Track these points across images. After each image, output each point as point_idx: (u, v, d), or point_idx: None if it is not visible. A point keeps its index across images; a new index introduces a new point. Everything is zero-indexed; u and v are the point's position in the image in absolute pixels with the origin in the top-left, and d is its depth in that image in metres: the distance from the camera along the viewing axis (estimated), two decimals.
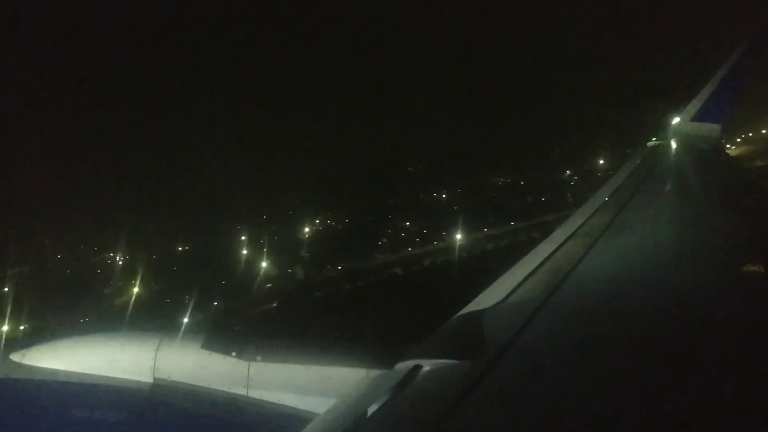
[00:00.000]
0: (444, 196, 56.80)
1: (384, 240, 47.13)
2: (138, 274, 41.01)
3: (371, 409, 2.58)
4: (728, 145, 44.29)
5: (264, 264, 41.81)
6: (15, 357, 4.50)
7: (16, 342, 5.11)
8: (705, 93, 9.73)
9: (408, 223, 49.82)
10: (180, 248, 49.85)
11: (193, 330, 4.71)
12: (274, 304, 35.66)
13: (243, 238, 46.23)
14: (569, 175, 53.37)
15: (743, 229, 5.10)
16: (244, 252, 43.86)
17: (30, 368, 4.42)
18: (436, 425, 2.19)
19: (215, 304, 31.18)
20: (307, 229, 49.67)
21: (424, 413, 2.40)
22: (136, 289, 38.49)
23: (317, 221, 52.17)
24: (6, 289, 37.89)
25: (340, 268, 42.81)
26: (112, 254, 50.69)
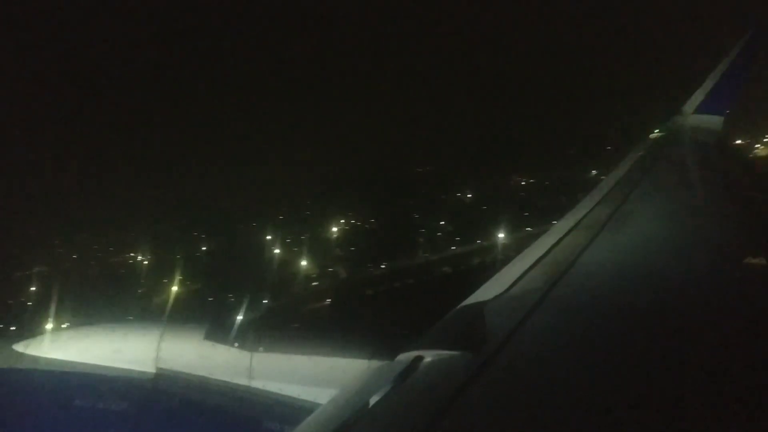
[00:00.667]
0: (469, 195, 55.59)
1: (409, 241, 46.33)
2: (167, 273, 40.46)
3: (373, 400, 2.59)
4: (757, 145, 43.45)
5: (300, 263, 41.38)
6: (18, 347, 4.51)
7: (18, 333, 5.08)
8: (707, 85, 9.69)
9: (441, 223, 48.71)
10: (204, 248, 48.75)
11: (196, 321, 4.73)
12: (327, 301, 35.34)
13: (269, 237, 45.64)
14: (595, 174, 51.56)
15: (745, 222, 5.10)
16: (276, 251, 43.18)
17: (33, 358, 4.43)
18: (437, 416, 2.20)
19: (264, 302, 30.81)
20: (326, 229, 49.03)
21: (425, 404, 2.41)
22: (175, 288, 37.98)
23: (341, 221, 51.35)
24: (33, 288, 37.87)
25: (383, 267, 42.14)
26: (132, 254, 49.94)
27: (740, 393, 2.28)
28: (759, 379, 2.37)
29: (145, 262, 45.60)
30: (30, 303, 35.70)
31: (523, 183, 58.18)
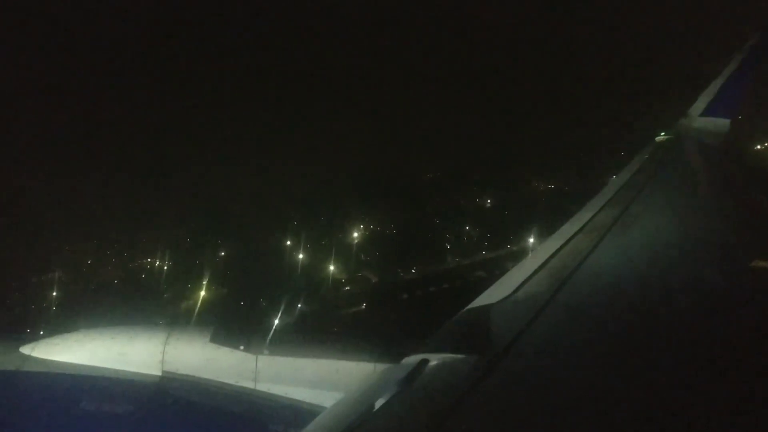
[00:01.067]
0: (489, 201, 54.92)
1: (431, 247, 45.77)
2: (182, 278, 40.29)
3: (378, 403, 2.59)
4: None
5: (323, 268, 41.13)
6: (25, 350, 4.54)
7: (26, 335, 5.10)
8: (714, 88, 9.64)
9: (467, 228, 47.93)
10: (222, 253, 48.05)
11: (202, 324, 4.74)
12: (362, 307, 35.20)
13: (289, 243, 45.13)
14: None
15: (752, 225, 5.07)
16: (301, 256, 42.70)
17: (40, 361, 4.46)
18: (443, 419, 2.19)
19: (300, 306, 30.66)
20: (346, 234, 48.54)
21: (431, 407, 2.41)
22: (202, 293, 37.60)
23: (360, 226, 50.75)
24: (45, 293, 37.56)
25: (414, 271, 41.85)
26: (148, 259, 49.21)
27: (749, 398, 2.26)
28: (767, 383, 2.35)
29: (165, 268, 45.16)
30: (41, 306, 35.76)
31: (541, 189, 57.46)
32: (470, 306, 3.75)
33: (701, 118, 9.56)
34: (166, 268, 44.54)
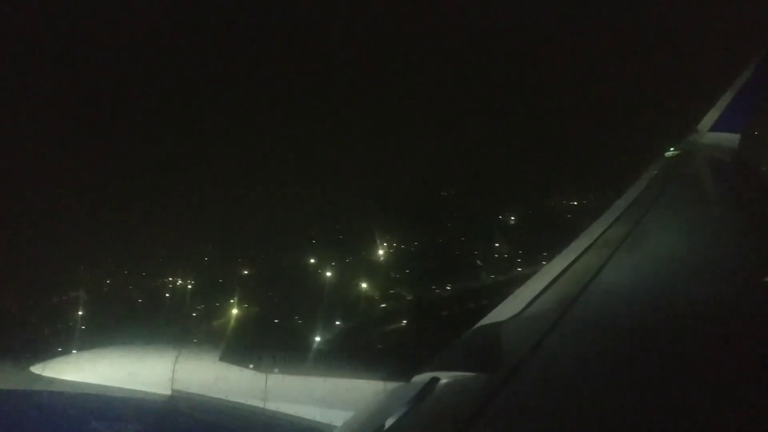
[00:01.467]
0: (513, 218, 54.05)
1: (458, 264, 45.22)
2: (208, 297, 40.14)
3: (389, 422, 2.57)
4: None
5: (362, 284, 40.69)
6: (36, 369, 4.55)
7: (36, 354, 5.12)
8: (723, 102, 9.63)
9: (496, 245, 47.17)
10: (246, 271, 47.62)
11: (211, 342, 4.74)
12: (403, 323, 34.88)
13: (312, 260, 44.63)
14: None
15: (763, 241, 5.03)
16: (328, 274, 42.26)
17: (50, 380, 4.47)
18: None
19: (337, 323, 30.39)
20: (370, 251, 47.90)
21: (441, 426, 2.39)
22: (234, 311, 37.30)
23: (384, 243, 50.07)
24: (80, 313, 37.39)
25: (449, 288, 41.39)
26: (170, 279, 48.68)
27: (765, 414, 2.23)
28: None
29: (189, 287, 44.60)
30: (56, 327, 35.71)
31: (564, 204, 56.54)
32: (480, 323, 3.73)
33: (711, 133, 9.53)
34: (189, 287, 44.15)
